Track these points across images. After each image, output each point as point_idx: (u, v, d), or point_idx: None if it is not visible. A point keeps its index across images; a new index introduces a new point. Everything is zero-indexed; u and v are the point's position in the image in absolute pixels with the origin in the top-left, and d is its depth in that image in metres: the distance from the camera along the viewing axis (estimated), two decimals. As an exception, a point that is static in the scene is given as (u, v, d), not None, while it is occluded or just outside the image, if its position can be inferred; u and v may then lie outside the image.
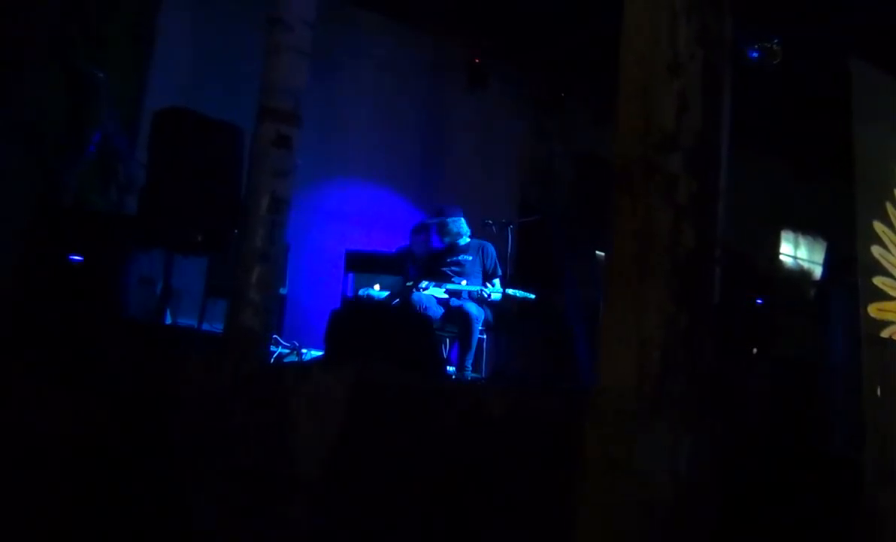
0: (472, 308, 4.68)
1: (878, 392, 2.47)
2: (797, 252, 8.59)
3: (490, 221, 5.16)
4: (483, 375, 4.88)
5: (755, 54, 5.60)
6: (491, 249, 4.90)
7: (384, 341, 3.50)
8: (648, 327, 1.79)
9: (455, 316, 4.69)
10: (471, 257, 4.96)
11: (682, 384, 1.77)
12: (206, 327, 4.46)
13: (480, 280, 4.91)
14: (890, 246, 2.65)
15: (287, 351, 4.72)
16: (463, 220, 5.04)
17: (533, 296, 4.79)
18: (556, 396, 3.45)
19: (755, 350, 4.59)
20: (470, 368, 4.61)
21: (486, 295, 4.73)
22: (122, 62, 4.82)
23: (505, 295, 4.76)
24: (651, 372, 1.77)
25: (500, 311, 4.82)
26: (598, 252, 5.91)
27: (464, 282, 4.89)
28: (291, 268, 5.13)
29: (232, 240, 3.56)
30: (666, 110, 1.87)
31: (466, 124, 6.78)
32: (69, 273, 3.01)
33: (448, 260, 4.99)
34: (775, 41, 5.56)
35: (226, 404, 2.62)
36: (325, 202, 5.98)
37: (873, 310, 2.57)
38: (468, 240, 5.04)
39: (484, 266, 4.97)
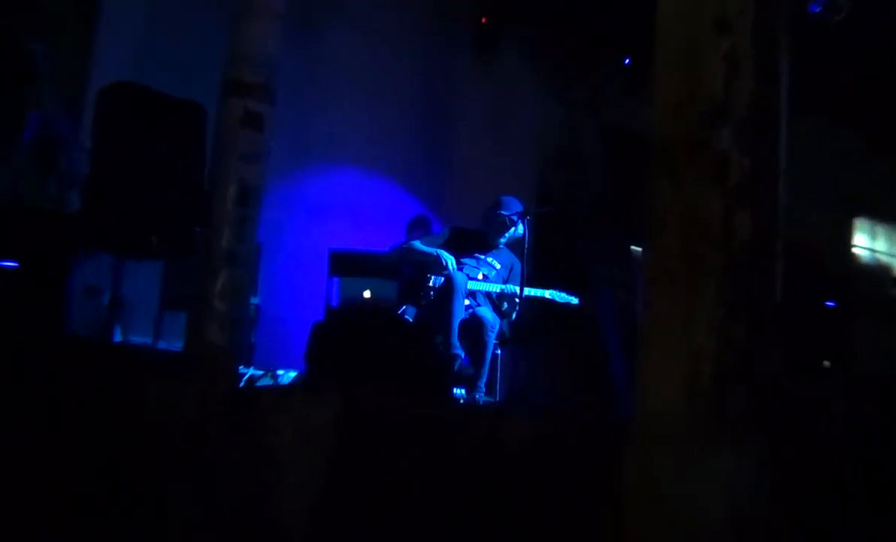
0: (488, 314, 4.59)
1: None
2: (874, 244, 8.59)
3: (504, 213, 5.14)
4: (497, 398, 4.87)
5: (817, 8, 5.63)
6: (518, 270, 4.79)
7: (377, 358, 3.52)
8: (698, 335, 1.81)
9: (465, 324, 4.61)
10: (499, 266, 4.92)
11: (739, 402, 1.79)
12: (162, 344, 4.49)
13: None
14: None
15: (261, 373, 4.73)
16: None
17: (576, 300, 4.76)
18: (585, 421, 3.46)
19: (826, 364, 4.59)
20: (483, 388, 4.56)
21: (510, 293, 4.66)
22: (64, 33, 4.85)
23: (541, 299, 4.72)
24: (702, 389, 1.78)
25: (518, 320, 4.77)
26: (634, 248, 5.92)
27: (480, 274, 4.84)
28: (264, 272, 5.15)
29: (193, 241, 3.59)
30: (713, 75, 1.89)
31: (473, 96, 6.80)
32: (1, 281, 3.04)
33: (475, 253, 4.90)
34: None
35: (192, 438, 2.64)
36: (305, 194, 6.02)
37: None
38: (503, 247, 4.97)
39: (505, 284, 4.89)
